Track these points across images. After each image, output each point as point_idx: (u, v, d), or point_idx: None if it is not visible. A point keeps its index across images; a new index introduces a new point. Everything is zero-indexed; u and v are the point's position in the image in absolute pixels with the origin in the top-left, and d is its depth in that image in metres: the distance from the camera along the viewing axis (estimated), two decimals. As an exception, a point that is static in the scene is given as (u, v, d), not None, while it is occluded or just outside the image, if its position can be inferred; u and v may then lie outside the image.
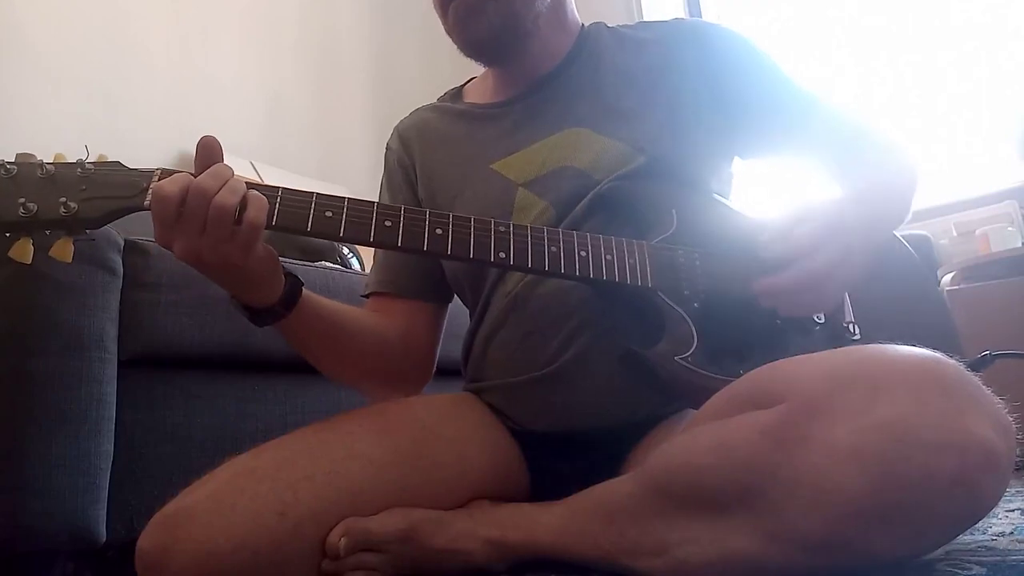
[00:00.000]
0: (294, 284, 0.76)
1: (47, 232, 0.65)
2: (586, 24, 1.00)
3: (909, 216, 0.91)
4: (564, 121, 0.90)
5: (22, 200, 0.62)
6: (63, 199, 0.63)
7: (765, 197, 1.85)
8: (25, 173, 0.64)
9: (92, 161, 0.66)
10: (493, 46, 0.89)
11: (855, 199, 0.80)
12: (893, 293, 0.88)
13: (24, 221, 0.62)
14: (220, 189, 0.64)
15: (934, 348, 0.55)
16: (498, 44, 0.89)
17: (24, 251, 0.64)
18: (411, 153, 1.00)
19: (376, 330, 0.90)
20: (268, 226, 0.67)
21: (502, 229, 0.72)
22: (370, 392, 0.96)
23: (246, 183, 0.66)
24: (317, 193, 0.69)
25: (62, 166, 0.65)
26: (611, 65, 0.94)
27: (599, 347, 0.79)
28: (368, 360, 0.89)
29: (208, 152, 0.67)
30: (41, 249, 0.65)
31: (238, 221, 0.65)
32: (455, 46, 0.92)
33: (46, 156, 0.67)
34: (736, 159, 0.96)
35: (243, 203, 0.65)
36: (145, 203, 0.65)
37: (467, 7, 0.86)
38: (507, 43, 0.89)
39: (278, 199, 0.68)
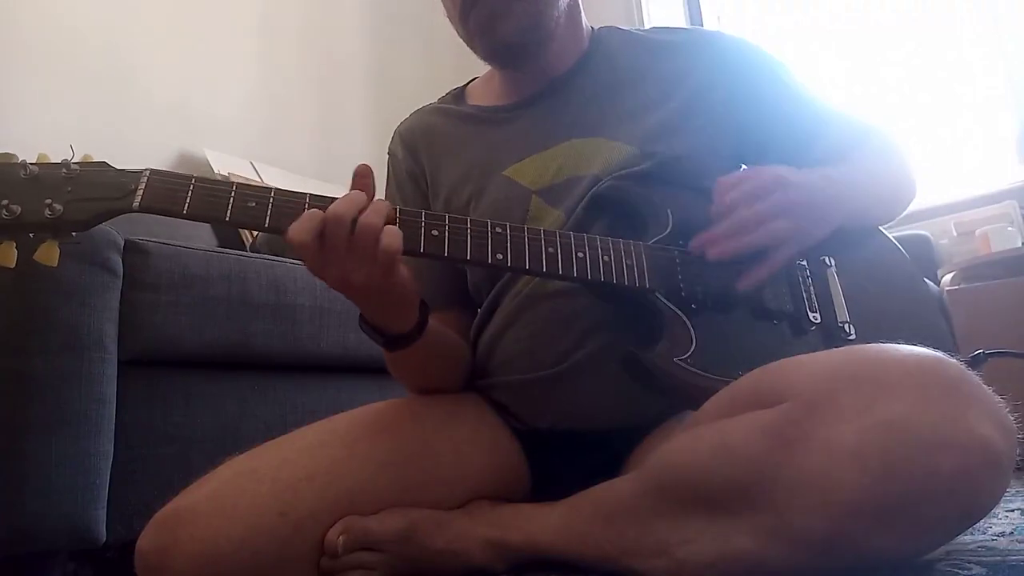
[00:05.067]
0: (425, 311, 0.77)
1: (31, 235, 0.62)
2: (595, 27, 1.00)
3: (896, 213, 0.92)
4: (577, 128, 0.89)
5: (5, 202, 0.59)
6: (48, 200, 0.60)
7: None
8: (7, 173, 0.61)
9: (77, 161, 0.64)
10: (519, 49, 0.88)
11: (814, 170, 0.82)
12: (887, 293, 0.89)
13: (7, 223, 0.60)
14: (364, 210, 0.65)
15: (929, 347, 0.56)
16: (524, 46, 0.88)
17: (7, 255, 0.61)
18: (419, 160, 0.98)
19: (461, 341, 0.91)
20: (264, 228, 0.66)
21: (499, 230, 0.72)
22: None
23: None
24: (311, 194, 0.68)
25: (46, 166, 0.63)
26: (625, 66, 0.94)
27: (609, 348, 0.79)
28: (460, 369, 0.90)
29: (361, 180, 0.68)
30: (25, 252, 0.62)
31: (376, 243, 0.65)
32: (461, 50, 0.91)
33: (44, 152, 0.65)
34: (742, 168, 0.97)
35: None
36: (134, 205, 0.63)
37: (492, 10, 0.85)
38: (532, 45, 0.88)
39: (270, 200, 0.67)
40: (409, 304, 0.74)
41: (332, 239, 0.64)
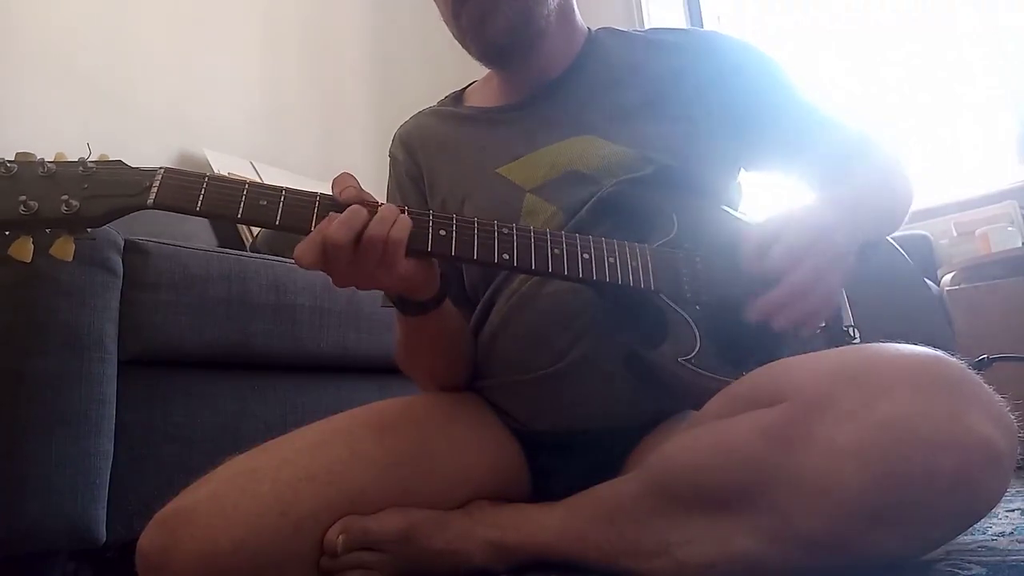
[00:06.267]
0: (446, 284, 0.79)
1: (47, 231, 0.64)
2: (593, 29, 1.00)
3: (899, 225, 0.92)
4: (573, 127, 0.90)
5: (23, 198, 0.61)
6: (65, 197, 0.63)
7: (770, 205, 1.85)
8: (25, 171, 0.63)
9: (94, 160, 0.66)
10: (509, 47, 0.89)
11: (830, 201, 0.81)
12: (890, 296, 0.89)
13: (25, 219, 0.62)
14: (367, 224, 0.66)
15: (930, 347, 0.56)
16: (514, 44, 0.89)
17: (24, 249, 0.63)
18: (417, 162, 0.99)
19: (468, 331, 0.92)
20: (275, 226, 0.67)
21: (505, 231, 0.72)
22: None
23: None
24: (321, 193, 0.69)
25: (63, 164, 0.65)
26: (621, 67, 0.94)
27: (605, 347, 0.79)
28: (467, 356, 0.91)
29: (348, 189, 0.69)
30: (41, 248, 0.64)
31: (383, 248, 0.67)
32: (462, 51, 0.92)
33: (47, 156, 0.66)
34: (741, 170, 0.96)
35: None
36: (148, 202, 0.64)
37: (482, 8, 0.86)
38: (522, 42, 0.89)
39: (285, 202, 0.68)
40: (421, 287, 0.75)
41: (334, 262, 0.66)
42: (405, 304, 0.78)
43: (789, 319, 0.73)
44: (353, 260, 0.66)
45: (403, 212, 0.69)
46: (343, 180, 0.70)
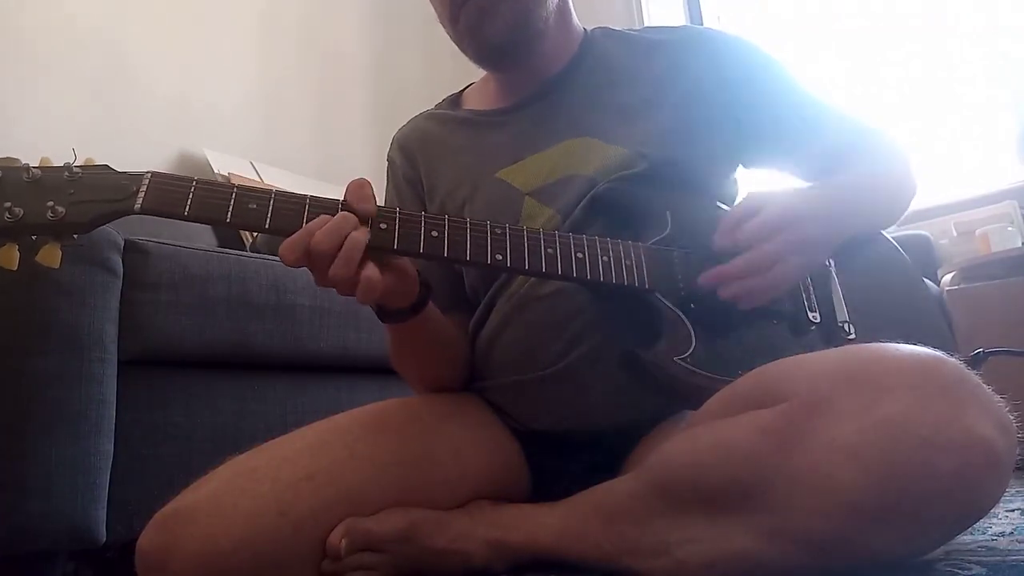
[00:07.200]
0: (426, 293, 0.77)
1: (33, 237, 0.63)
2: (589, 29, 1.00)
3: (898, 218, 0.92)
4: (570, 129, 0.89)
5: (7, 205, 0.60)
6: (51, 203, 0.61)
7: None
8: (10, 178, 0.61)
9: (80, 165, 0.65)
10: (508, 48, 0.88)
11: (814, 192, 0.82)
12: (887, 293, 0.89)
13: (9, 226, 0.60)
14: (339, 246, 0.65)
15: (929, 347, 0.56)
16: (513, 45, 0.88)
17: (9, 257, 0.62)
18: (416, 166, 0.99)
19: (461, 336, 0.91)
20: (265, 230, 0.67)
21: (498, 231, 0.72)
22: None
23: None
24: (311, 196, 0.68)
25: (48, 170, 0.63)
26: (618, 67, 0.94)
27: (605, 348, 0.79)
28: (460, 361, 0.90)
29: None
30: (27, 255, 0.63)
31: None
32: (461, 53, 0.92)
33: (46, 157, 0.66)
34: (740, 167, 0.96)
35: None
36: (135, 207, 0.64)
37: (480, 9, 0.85)
38: (521, 44, 0.89)
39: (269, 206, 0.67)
40: (400, 293, 0.74)
41: (317, 261, 0.65)
42: (381, 311, 0.77)
43: (735, 292, 0.74)
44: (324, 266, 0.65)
45: (382, 220, 0.68)
46: (360, 189, 0.69)
